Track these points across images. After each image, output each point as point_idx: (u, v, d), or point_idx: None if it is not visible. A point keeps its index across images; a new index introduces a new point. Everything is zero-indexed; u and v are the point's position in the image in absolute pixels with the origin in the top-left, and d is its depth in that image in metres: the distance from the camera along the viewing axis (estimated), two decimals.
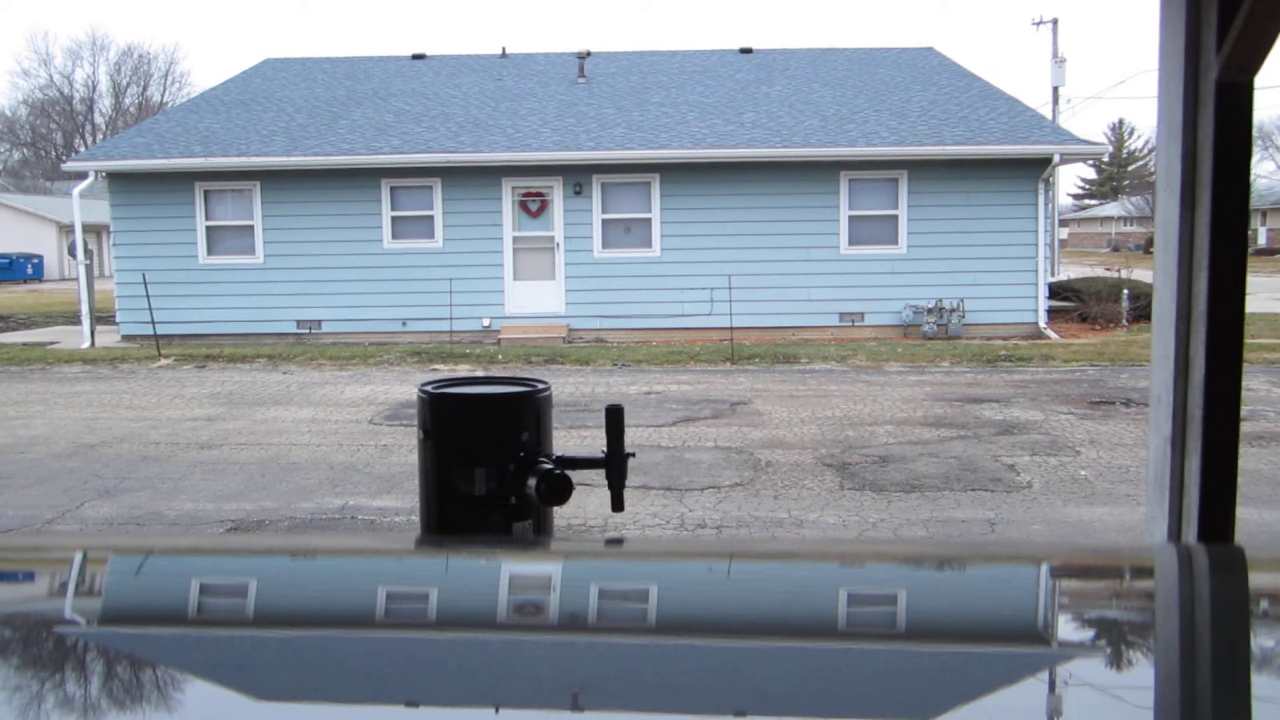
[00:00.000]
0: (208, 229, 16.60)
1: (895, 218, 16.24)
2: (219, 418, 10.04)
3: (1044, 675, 0.88)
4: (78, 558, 1.26)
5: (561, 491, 2.20)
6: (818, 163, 16.04)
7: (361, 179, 16.32)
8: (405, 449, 8.28)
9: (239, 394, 11.54)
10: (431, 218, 16.45)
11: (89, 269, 16.62)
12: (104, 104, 61.84)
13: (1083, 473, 7.43)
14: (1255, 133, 2.96)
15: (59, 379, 12.98)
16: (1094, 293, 18.47)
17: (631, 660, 0.88)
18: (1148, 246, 45.48)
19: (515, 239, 16.46)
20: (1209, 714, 0.79)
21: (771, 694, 0.79)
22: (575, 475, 2.27)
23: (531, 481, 2.22)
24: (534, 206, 16.43)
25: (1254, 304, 16.37)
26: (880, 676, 0.84)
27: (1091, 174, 78.61)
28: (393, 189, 16.43)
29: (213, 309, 16.49)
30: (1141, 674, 0.91)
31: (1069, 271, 25.49)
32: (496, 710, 0.78)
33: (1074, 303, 18.60)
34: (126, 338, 16.49)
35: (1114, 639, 0.98)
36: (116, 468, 7.89)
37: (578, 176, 16.28)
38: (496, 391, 2.44)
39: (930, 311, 15.99)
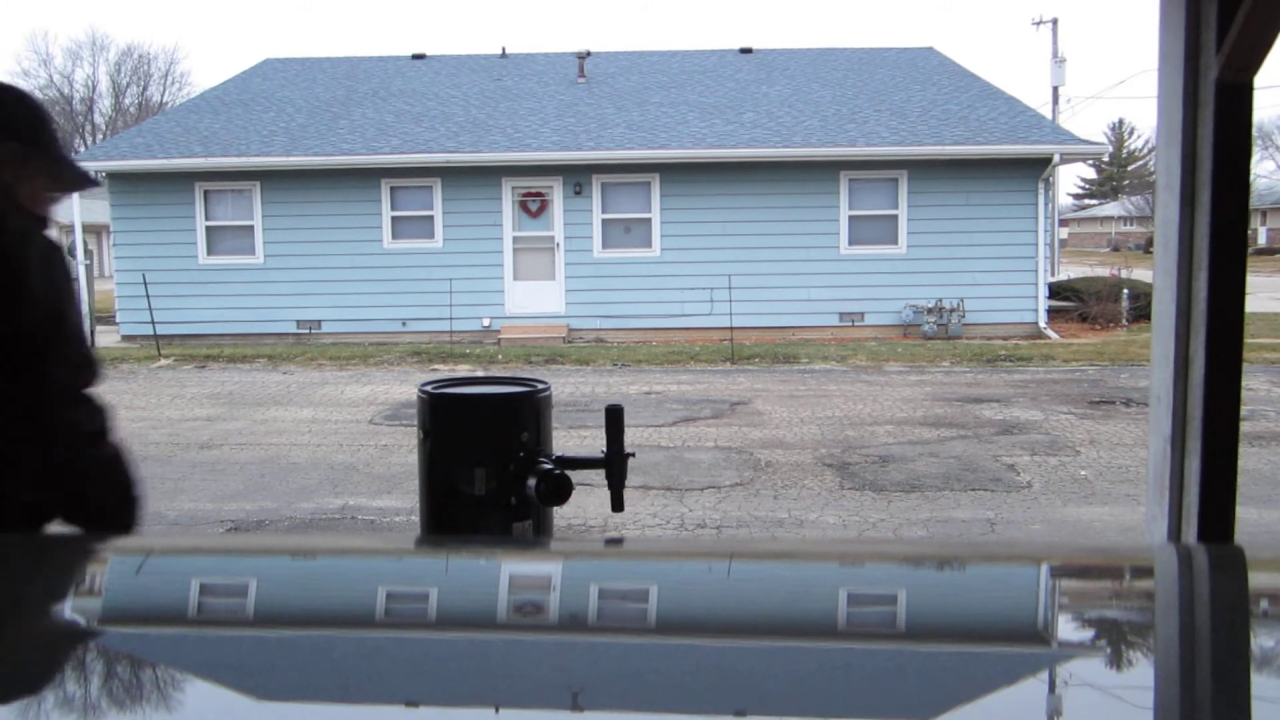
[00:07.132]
0: (208, 229, 16.60)
1: (895, 218, 16.24)
2: (219, 418, 10.04)
3: (1044, 675, 0.88)
4: (78, 558, 1.26)
5: (561, 491, 2.20)
6: (818, 163, 16.04)
7: (361, 179, 16.32)
8: (405, 449, 8.28)
9: (239, 394, 11.54)
10: (431, 218, 16.45)
11: (89, 269, 16.61)
12: (104, 104, 61.77)
13: (1083, 473, 7.43)
14: (1255, 133, 2.96)
15: None
16: (1094, 293, 18.47)
17: (631, 660, 0.88)
18: (1148, 246, 45.45)
19: (515, 239, 16.46)
20: (1209, 714, 0.79)
21: (771, 694, 0.79)
22: (575, 475, 2.27)
23: (531, 481, 2.22)
24: (534, 206, 16.43)
25: (1254, 304, 16.35)
26: (880, 676, 0.84)
27: (1091, 174, 78.60)
28: (393, 189, 16.43)
29: (213, 309, 16.49)
30: (1141, 674, 0.91)
31: (1069, 271, 25.47)
32: (496, 710, 0.78)
33: (1074, 302, 18.59)
34: (126, 338, 16.49)
35: (1114, 639, 0.98)
36: None
37: (578, 176, 16.27)
38: (496, 391, 2.44)
39: (930, 311, 15.99)
